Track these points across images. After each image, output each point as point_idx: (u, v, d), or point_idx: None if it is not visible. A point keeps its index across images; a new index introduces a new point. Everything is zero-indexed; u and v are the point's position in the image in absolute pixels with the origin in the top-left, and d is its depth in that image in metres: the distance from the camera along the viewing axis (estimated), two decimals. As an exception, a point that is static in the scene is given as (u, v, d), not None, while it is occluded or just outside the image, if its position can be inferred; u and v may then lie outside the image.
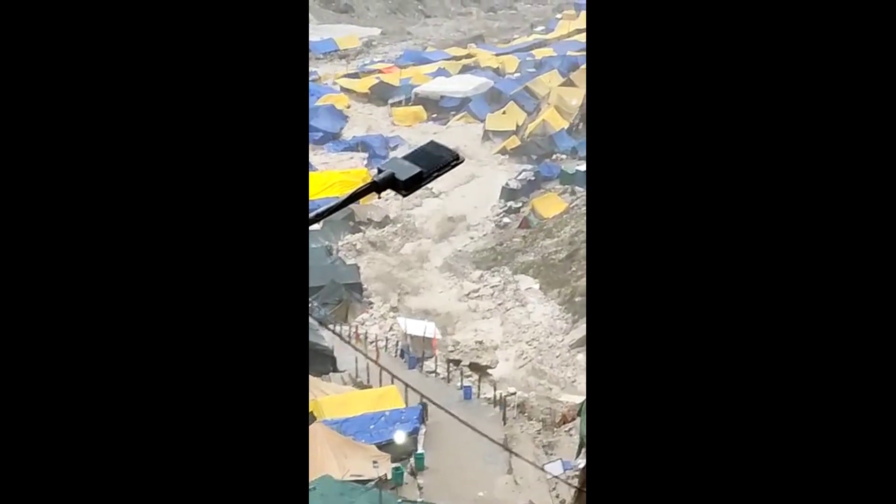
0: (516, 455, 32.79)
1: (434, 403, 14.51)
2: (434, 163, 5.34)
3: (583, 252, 57.91)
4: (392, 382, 39.36)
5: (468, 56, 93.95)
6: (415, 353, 48.04)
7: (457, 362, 48.29)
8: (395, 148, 70.01)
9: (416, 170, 5.25)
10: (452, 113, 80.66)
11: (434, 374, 46.12)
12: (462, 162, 5.51)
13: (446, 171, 5.41)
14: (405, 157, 5.36)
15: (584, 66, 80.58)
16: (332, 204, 5.40)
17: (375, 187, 5.20)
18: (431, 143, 5.56)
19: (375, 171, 5.30)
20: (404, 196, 5.48)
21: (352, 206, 60.70)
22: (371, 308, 56.18)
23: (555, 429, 40.83)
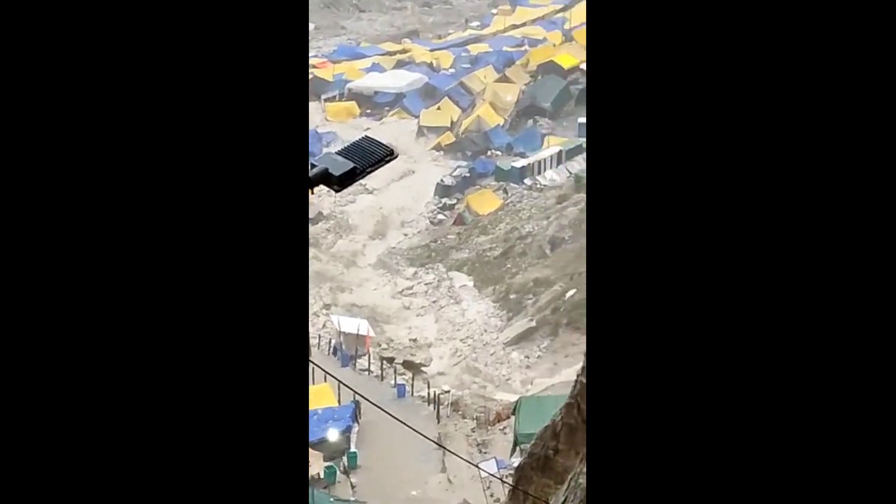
0: (451, 453, 32.70)
1: (367, 400, 14.36)
2: (368, 158, 5.27)
3: (518, 249, 58.13)
4: (325, 380, 39.15)
5: (402, 51, 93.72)
6: (348, 350, 47.81)
7: (390, 360, 48.15)
8: (328, 144, 69.47)
9: (350, 165, 5.19)
10: (386, 108, 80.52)
11: (367, 372, 45.93)
12: (396, 157, 5.46)
13: (380, 167, 5.33)
14: (339, 153, 5.31)
15: (518, 62, 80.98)
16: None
17: (308, 183, 5.06)
18: (365, 138, 5.49)
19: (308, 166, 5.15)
20: (337, 192, 5.40)
21: (285, 201, 60.16)
22: (304, 305, 55.82)
23: (489, 427, 40.86)
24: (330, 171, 5.12)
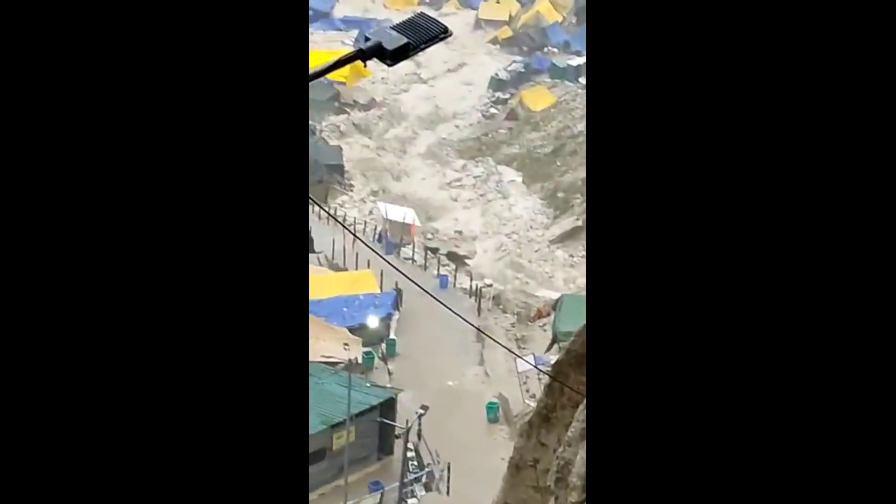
0: (493, 340, 32.76)
1: (414, 283, 14.39)
2: (422, 35, 5.23)
3: (569, 147, 57.82)
4: (368, 266, 39.41)
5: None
6: (393, 238, 48.01)
7: (434, 250, 48.33)
8: (383, 31, 68.98)
9: (404, 40, 5.13)
10: (445, -1, 79.76)
11: (411, 261, 46.13)
12: (450, 35, 5.40)
13: (434, 44, 5.28)
14: (393, 28, 5.24)
15: (581, -41, 79.57)
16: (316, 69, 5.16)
17: (361, 55, 5.06)
18: (420, 14, 5.42)
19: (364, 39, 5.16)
20: (390, 66, 5.35)
21: (337, 87, 60.05)
22: (351, 191, 56.00)
23: (529, 323, 41.10)
24: (384, 45, 5.06)
